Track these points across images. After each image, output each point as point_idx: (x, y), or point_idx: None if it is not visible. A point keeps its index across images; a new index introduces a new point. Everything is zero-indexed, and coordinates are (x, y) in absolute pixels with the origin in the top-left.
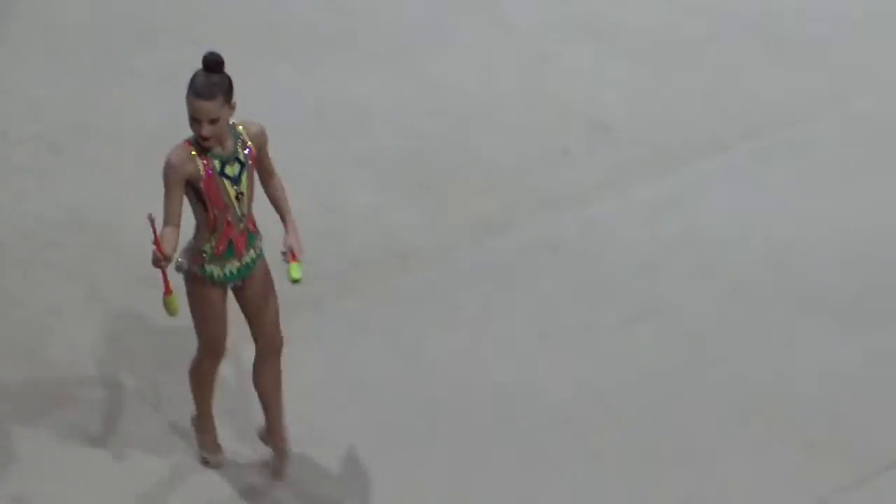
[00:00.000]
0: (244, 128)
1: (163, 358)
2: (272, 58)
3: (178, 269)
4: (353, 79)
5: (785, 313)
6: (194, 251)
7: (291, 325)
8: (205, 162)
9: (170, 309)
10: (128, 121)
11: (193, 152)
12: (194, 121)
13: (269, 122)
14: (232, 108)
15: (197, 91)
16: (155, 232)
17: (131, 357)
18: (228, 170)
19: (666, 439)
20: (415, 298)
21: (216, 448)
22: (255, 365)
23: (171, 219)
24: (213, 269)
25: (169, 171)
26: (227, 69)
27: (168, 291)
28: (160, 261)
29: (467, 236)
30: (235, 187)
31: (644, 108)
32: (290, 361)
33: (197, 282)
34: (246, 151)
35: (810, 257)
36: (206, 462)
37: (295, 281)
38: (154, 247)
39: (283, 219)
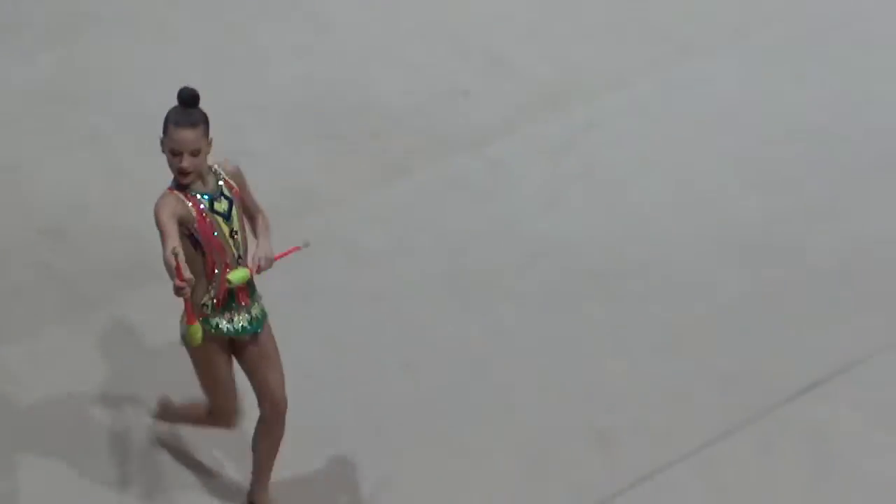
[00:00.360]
0: (220, 166)
1: (69, 307)
2: (166, 3)
3: (183, 339)
4: (248, 24)
5: (688, 247)
6: (194, 309)
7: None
8: (192, 203)
9: (194, 339)
10: (19, 71)
11: (180, 196)
12: (175, 154)
13: (162, 70)
14: (209, 143)
15: (178, 120)
16: (178, 264)
17: (38, 308)
18: (217, 206)
19: (575, 375)
20: (319, 241)
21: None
22: (257, 429)
23: (171, 237)
24: (219, 322)
25: (160, 211)
26: (112, 12)
27: (191, 321)
28: (182, 289)
29: (370, 178)
30: (228, 224)
31: (544, 44)
32: None
33: (200, 346)
34: (230, 188)
35: (711, 190)
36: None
37: (229, 282)
38: (176, 279)
39: (257, 236)
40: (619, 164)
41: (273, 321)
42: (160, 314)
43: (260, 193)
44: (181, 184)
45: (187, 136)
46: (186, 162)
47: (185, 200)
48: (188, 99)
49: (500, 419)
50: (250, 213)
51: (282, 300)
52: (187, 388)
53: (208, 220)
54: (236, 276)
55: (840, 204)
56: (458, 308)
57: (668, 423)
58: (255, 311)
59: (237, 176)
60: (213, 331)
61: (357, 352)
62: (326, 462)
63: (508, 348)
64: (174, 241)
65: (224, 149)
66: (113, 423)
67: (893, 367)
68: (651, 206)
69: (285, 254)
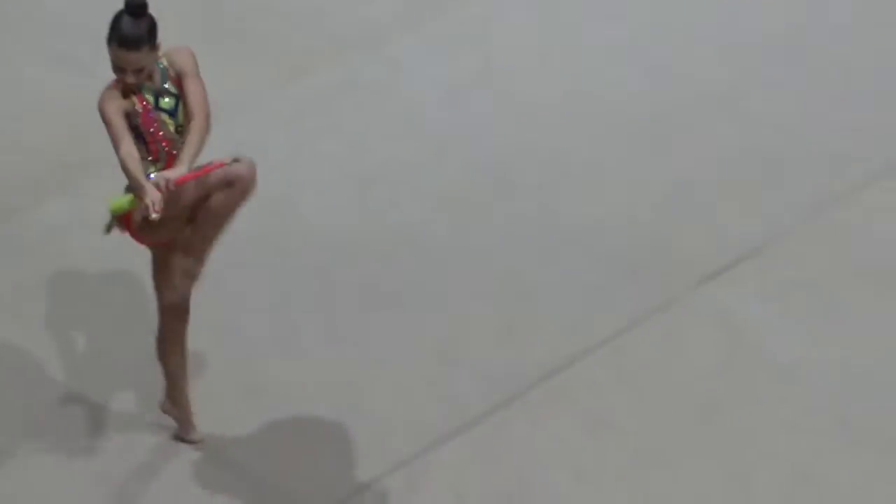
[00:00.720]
0: (167, 57)
1: None
2: None
3: (109, 229)
4: None
5: (590, 138)
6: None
7: (88, 188)
8: (138, 98)
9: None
10: None
11: (124, 91)
12: (119, 69)
13: None
14: (157, 49)
15: (120, 41)
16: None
17: None
18: (163, 103)
19: (483, 268)
20: (220, 147)
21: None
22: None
23: (125, 140)
24: None
25: (106, 107)
26: None
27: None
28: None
29: (269, 81)
30: (174, 119)
31: None
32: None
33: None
34: (176, 83)
35: (611, 80)
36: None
37: (111, 211)
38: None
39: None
40: (518, 58)
41: None
42: (65, 229)
43: None
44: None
45: (130, 57)
46: (131, 78)
47: (132, 95)
48: (136, 8)
49: (410, 315)
50: (188, 112)
51: None
52: (93, 300)
53: (153, 117)
54: (117, 204)
55: (737, 90)
56: (363, 206)
57: (576, 315)
58: None
59: (183, 64)
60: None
61: (264, 256)
62: (234, 363)
63: (417, 244)
64: (128, 143)
65: None
66: (20, 338)
67: (797, 250)
68: (551, 98)
69: (208, 170)
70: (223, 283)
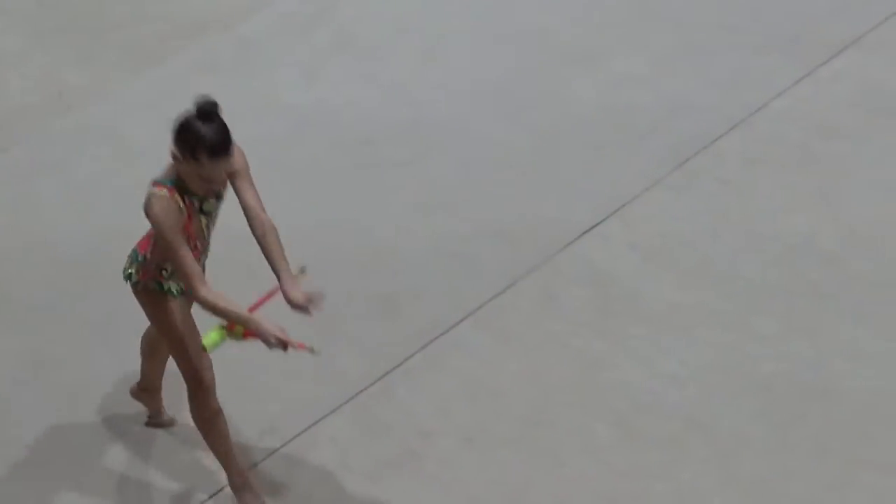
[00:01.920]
0: None
1: None
2: None
3: (132, 279)
4: None
5: (452, 106)
6: (149, 266)
7: None
8: (187, 205)
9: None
10: None
11: (178, 198)
12: (209, 180)
13: None
14: None
15: (213, 151)
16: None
17: None
18: (206, 206)
19: (353, 243)
20: (81, 136)
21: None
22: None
23: (198, 273)
24: (171, 286)
25: (167, 223)
26: None
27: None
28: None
29: (124, 69)
30: (207, 218)
31: None
32: None
33: (155, 296)
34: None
35: (468, 48)
36: None
37: (204, 349)
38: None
39: (277, 272)
40: (373, 32)
41: (44, 222)
42: None
43: (15, 93)
44: (195, 192)
45: (222, 165)
46: (219, 186)
47: (182, 203)
48: (211, 111)
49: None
50: (250, 215)
51: (51, 197)
52: None
53: (194, 220)
54: (210, 340)
55: (596, 48)
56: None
57: (450, 282)
58: None
59: (238, 163)
60: (163, 292)
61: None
62: (120, 346)
63: (286, 222)
64: (201, 275)
65: None
66: None
67: (658, 202)
68: (410, 70)
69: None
70: (91, 262)
